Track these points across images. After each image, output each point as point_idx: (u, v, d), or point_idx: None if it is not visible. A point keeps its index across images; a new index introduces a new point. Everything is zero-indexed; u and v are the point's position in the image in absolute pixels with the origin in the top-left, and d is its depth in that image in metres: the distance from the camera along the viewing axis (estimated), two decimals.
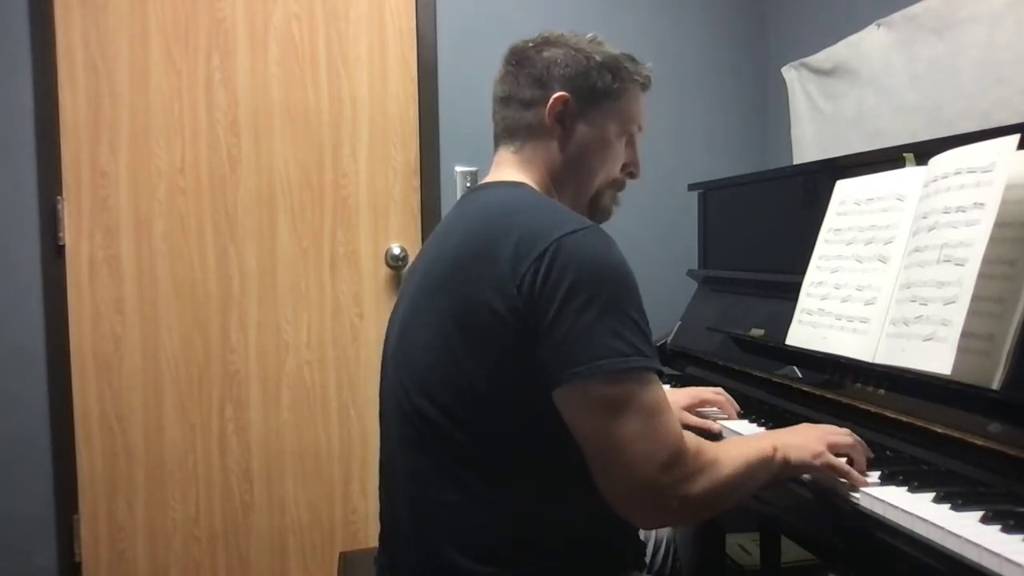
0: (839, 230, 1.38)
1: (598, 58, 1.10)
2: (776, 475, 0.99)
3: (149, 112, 2.16)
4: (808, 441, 1.01)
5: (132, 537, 2.18)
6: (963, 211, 1.04)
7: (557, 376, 0.89)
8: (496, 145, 1.16)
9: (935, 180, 1.14)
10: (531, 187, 1.08)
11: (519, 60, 1.11)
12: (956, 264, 1.02)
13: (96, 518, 2.15)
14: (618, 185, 1.17)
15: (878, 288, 1.22)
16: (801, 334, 1.37)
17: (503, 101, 1.13)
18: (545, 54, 1.10)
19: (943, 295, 1.03)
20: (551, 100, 1.08)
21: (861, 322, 1.23)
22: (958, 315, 0.99)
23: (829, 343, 1.29)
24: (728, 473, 0.92)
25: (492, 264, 0.93)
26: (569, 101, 1.08)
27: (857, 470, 1.00)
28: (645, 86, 1.16)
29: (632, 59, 1.14)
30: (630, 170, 1.17)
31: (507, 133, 1.13)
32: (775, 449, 0.98)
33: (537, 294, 0.89)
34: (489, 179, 1.13)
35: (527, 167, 1.11)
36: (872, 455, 1.05)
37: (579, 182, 1.13)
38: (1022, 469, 0.91)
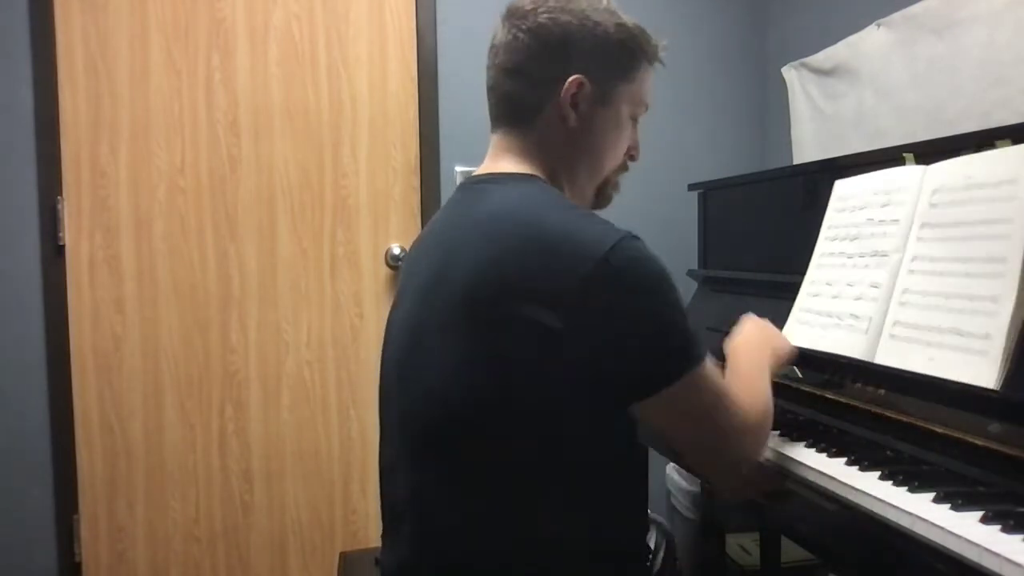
0: (838, 228, 1.38)
1: (617, 34, 1.01)
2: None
3: (149, 112, 2.16)
4: (781, 337, 1.26)
5: (132, 537, 2.18)
6: (996, 223, 1.03)
7: (644, 389, 0.90)
8: (497, 125, 1.05)
9: (967, 188, 1.12)
10: (543, 182, 1.00)
11: (531, 28, 0.99)
12: (992, 277, 1.01)
13: (96, 518, 2.15)
14: (621, 169, 1.10)
15: (880, 287, 1.22)
16: (799, 332, 1.37)
17: (510, 73, 1.01)
18: (562, 22, 0.99)
19: (978, 307, 1.02)
20: (567, 82, 0.98)
21: (856, 319, 1.23)
22: (1000, 329, 0.98)
23: (827, 341, 1.29)
24: (768, 399, 1.04)
25: (530, 288, 0.87)
26: (585, 84, 0.99)
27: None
28: (656, 61, 1.07)
29: (645, 32, 1.05)
30: (631, 152, 1.10)
31: (513, 112, 1.02)
32: (777, 356, 1.19)
33: (598, 315, 0.86)
34: (491, 168, 1.04)
35: (534, 155, 1.02)
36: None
37: (591, 169, 1.06)
38: (1022, 469, 0.91)
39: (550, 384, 0.89)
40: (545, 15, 0.99)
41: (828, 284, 1.36)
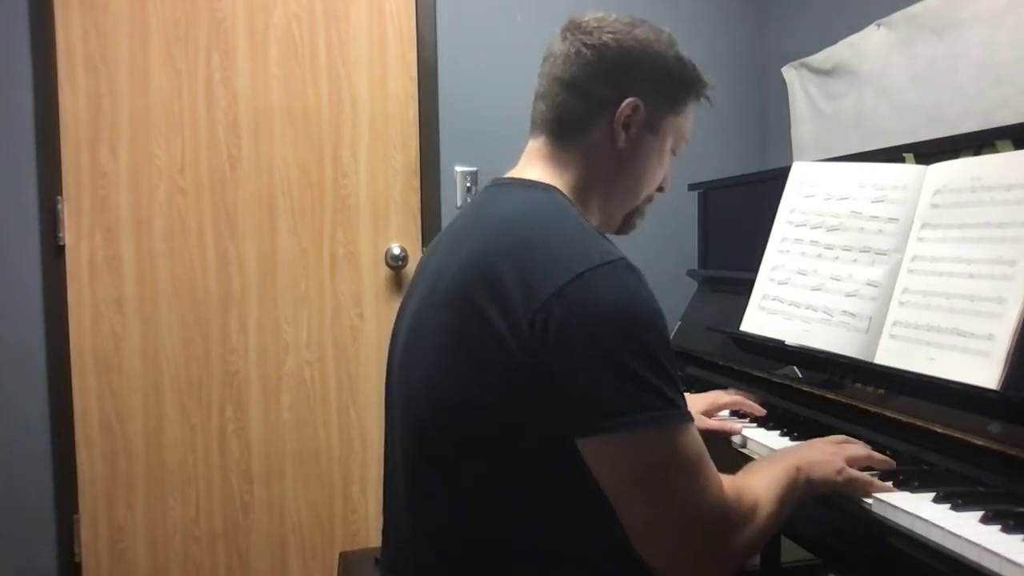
0: (807, 214, 1.36)
1: (675, 66, 1.03)
2: (800, 497, 0.95)
3: (149, 112, 2.16)
4: (827, 457, 0.99)
5: (132, 537, 2.18)
6: (1005, 226, 1.03)
7: (581, 427, 0.82)
8: (539, 132, 1.04)
9: (974, 190, 1.12)
10: (561, 194, 0.98)
11: (595, 45, 0.99)
12: (1001, 279, 1.01)
13: (96, 518, 2.15)
14: (651, 199, 1.11)
15: (878, 286, 1.22)
16: (759, 319, 1.36)
17: (566, 85, 1.00)
18: (626, 45, 0.99)
19: (980, 308, 1.02)
20: (623, 103, 0.99)
21: (852, 317, 1.23)
22: (1003, 330, 0.98)
23: (818, 337, 1.28)
24: (768, 513, 0.88)
25: (501, 291, 0.85)
26: (639, 108, 1.00)
27: (878, 478, 0.99)
28: (704, 98, 1.08)
29: (697, 70, 1.06)
30: (662, 185, 1.10)
31: (562, 123, 1.01)
32: (798, 471, 0.94)
33: (554, 335, 0.81)
34: (517, 173, 1.03)
35: (569, 168, 1.01)
36: (893, 464, 1.03)
37: (627, 193, 1.06)
38: (1022, 469, 0.91)
39: (518, 394, 0.85)
40: (610, 35, 1.00)
41: (801, 273, 1.35)
